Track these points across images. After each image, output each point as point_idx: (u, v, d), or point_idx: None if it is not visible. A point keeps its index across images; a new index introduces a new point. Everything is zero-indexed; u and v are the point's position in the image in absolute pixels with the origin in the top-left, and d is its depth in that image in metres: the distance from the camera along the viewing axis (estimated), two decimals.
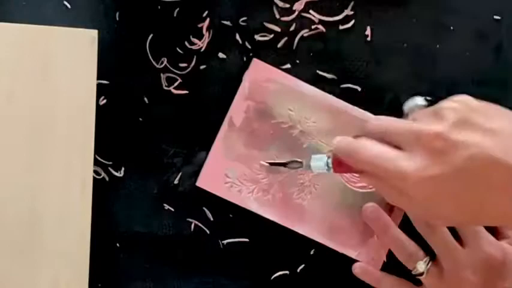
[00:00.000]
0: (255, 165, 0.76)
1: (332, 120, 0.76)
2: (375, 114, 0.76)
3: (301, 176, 0.76)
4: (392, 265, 0.76)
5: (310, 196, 0.76)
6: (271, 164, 0.76)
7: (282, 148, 0.76)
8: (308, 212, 0.76)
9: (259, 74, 0.76)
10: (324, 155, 0.70)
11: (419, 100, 0.71)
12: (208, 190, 0.75)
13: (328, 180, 0.76)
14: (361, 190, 0.76)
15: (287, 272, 0.77)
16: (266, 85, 0.76)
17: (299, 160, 0.74)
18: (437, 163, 0.59)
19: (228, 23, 0.77)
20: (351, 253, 0.76)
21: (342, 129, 0.76)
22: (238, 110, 0.76)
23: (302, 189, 0.76)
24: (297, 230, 0.76)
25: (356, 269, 0.76)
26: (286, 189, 0.76)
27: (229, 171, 0.75)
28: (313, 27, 0.78)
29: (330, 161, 0.69)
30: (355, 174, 0.75)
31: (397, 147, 0.62)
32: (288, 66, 0.77)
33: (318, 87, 0.77)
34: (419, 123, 0.62)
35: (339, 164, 0.67)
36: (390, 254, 0.76)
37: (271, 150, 0.76)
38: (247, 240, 0.76)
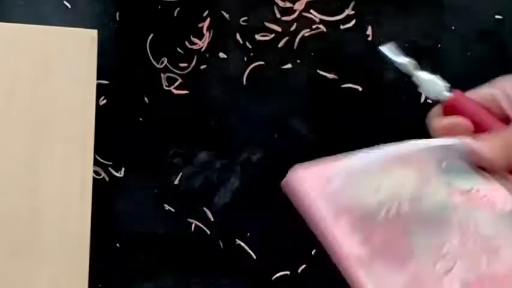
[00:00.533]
0: (429, 274, 0.50)
1: (405, 168, 0.54)
2: (376, 114, 0.76)
3: (470, 242, 0.52)
4: None
5: (501, 250, 0.51)
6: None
7: (419, 232, 0.52)
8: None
9: (313, 181, 0.52)
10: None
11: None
12: None
13: (489, 223, 0.54)
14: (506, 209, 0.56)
15: (288, 272, 0.77)
16: (331, 187, 0.52)
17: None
18: None
19: (228, 22, 0.77)
20: None
21: (420, 168, 0.55)
22: (347, 241, 0.50)
23: (489, 252, 0.52)
24: None
25: None
26: (482, 270, 0.51)
27: None
28: (314, 26, 0.78)
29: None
30: (485, 199, 0.59)
31: None
32: (289, 66, 0.77)
33: (318, 87, 0.77)
34: None
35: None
36: None
37: (415, 246, 0.51)
38: (247, 240, 0.77)
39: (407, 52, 0.64)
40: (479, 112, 0.58)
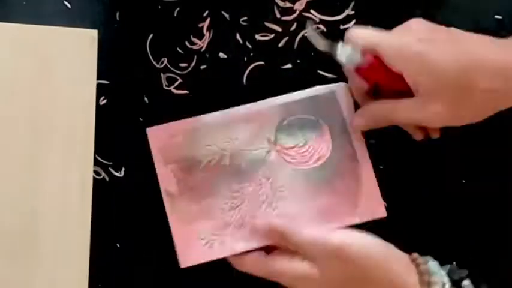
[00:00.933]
0: (217, 211, 0.74)
1: (248, 126, 0.75)
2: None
3: (261, 191, 0.75)
4: None
5: (282, 201, 0.75)
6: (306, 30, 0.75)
7: (228, 180, 0.74)
8: (290, 214, 0.74)
9: (159, 137, 0.74)
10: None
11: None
12: (196, 263, 0.73)
13: (285, 176, 0.75)
14: (318, 164, 0.75)
15: None
16: (173, 141, 0.74)
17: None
18: None
19: (228, 22, 0.77)
20: (353, 220, 0.74)
21: (261, 126, 0.75)
22: (166, 179, 0.74)
23: (270, 200, 0.75)
24: None
25: None
26: (257, 211, 0.74)
27: (200, 234, 0.74)
28: (314, 26, 0.78)
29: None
30: (304, 156, 0.75)
31: None
32: (289, 66, 0.77)
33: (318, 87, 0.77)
34: None
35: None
36: None
37: (220, 190, 0.74)
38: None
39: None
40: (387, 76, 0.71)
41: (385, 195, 0.75)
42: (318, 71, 0.77)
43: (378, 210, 0.75)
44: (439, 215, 0.76)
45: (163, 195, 0.74)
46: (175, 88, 0.77)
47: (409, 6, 0.78)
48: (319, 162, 0.75)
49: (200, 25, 0.77)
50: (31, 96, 0.72)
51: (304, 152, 0.75)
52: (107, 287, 0.75)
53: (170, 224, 0.74)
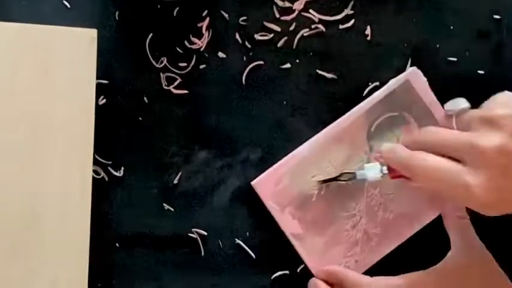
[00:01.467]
0: (342, 235, 0.77)
1: (342, 145, 0.76)
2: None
3: (373, 202, 0.77)
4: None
5: (393, 203, 0.77)
6: (324, 181, 0.76)
7: (341, 203, 0.76)
8: (406, 211, 0.77)
9: (267, 187, 0.76)
10: (376, 163, 0.73)
11: (463, 102, 0.72)
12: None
13: (389, 181, 0.75)
14: None
15: (287, 272, 0.77)
16: (280, 187, 0.76)
17: (351, 171, 0.75)
18: (502, 176, 0.63)
19: (227, 22, 0.77)
20: (434, 214, 0.77)
21: (353, 141, 0.76)
22: (288, 223, 0.76)
23: (385, 206, 0.77)
24: (415, 230, 0.77)
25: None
26: (376, 220, 0.77)
27: (335, 262, 0.76)
28: (313, 26, 0.78)
29: (384, 168, 0.72)
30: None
31: (453, 158, 0.66)
32: (288, 65, 0.77)
33: (317, 87, 0.77)
34: (477, 135, 0.65)
35: (394, 169, 0.71)
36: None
37: (337, 214, 0.76)
38: (247, 240, 0.77)
39: None
40: None
41: None
42: (318, 71, 0.78)
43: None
44: None
45: (291, 239, 0.76)
46: (175, 88, 0.77)
47: (408, 7, 0.78)
48: None
49: (199, 25, 0.77)
50: (31, 96, 0.72)
51: None
52: (106, 287, 0.75)
53: (308, 264, 0.76)
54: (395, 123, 0.76)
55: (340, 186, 0.76)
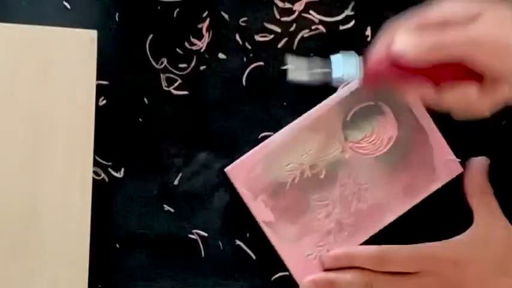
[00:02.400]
0: (314, 224, 0.76)
1: (316, 133, 0.76)
2: None
3: (348, 191, 0.76)
4: None
5: (368, 192, 0.77)
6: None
7: (315, 193, 0.76)
8: (380, 201, 0.77)
9: (240, 174, 0.76)
10: (353, 53, 0.71)
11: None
12: (314, 279, 0.75)
13: (364, 169, 0.76)
14: (390, 146, 0.77)
15: (287, 273, 0.77)
16: (254, 174, 0.76)
17: (325, 70, 0.71)
18: None
19: (228, 23, 0.77)
20: (435, 185, 0.77)
21: (328, 129, 0.76)
22: (260, 211, 0.76)
23: (358, 196, 0.77)
24: (390, 221, 0.77)
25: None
26: (350, 210, 0.76)
27: (306, 250, 0.76)
28: (313, 27, 0.78)
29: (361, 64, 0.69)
30: (375, 142, 0.76)
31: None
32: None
33: (317, 87, 0.77)
34: None
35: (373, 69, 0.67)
36: None
37: (310, 203, 0.76)
38: (247, 240, 0.76)
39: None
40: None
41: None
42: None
43: (454, 167, 0.77)
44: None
45: (263, 226, 0.75)
46: (175, 89, 0.77)
47: (409, 7, 0.78)
48: (390, 144, 0.77)
49: (199, 26, 0.77)
50: (31, 97, 0.72)
51: (373, 140, 0.77)
52: (106, 287, 0.75)
53: (279, 252, 0.76)
54: (371, 112, 0.76)
55: (314, 175, 0.76)
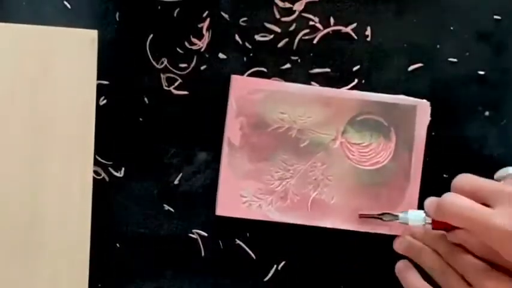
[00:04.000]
0: (266, 176, 0.76)
1: (325, 109, 0.77)
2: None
3: (312, 173, 0.76)
4: None
5: (327, 188, 0.76)
6: (364, 216, 0.76)
7: (286, 152, 0.76)
8: (329, 203, 0.76)
9: (242, 88, 0.76)
10: (421, 211, 0.73)
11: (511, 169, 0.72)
12: (230, 215, 0.76)
13: (339, 168, 0.77)
14: (373, 167, 0.77)
15: (287, 273, 0.77)
16: (251, 97, 0.76)
17: (394, 213, 0.75)
18: None
19: (228, 23, 0.77)
20: (384, 230, 0.76)
21: (336, 114, 0.77)
22: (233, 129, 0.76)
23: (317, 184, 0.76)
24: (324, 225, 0.76)
25: (397, 244, 0.76)
26: (301, 190, 0.76)
27: (244, 191, 0.76)
28: (313, 27, 0.78)
29: (428, 218, 0.72)
30: (364, 155, 0.77)
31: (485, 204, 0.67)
32: (288, 66, 0.77)
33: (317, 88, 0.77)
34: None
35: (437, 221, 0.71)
36: None
37: (276, 157, 0.76)
38: (247, 240, 0.77)
39: None
40: None
41: None
42: (318, 71, 0.78)
43: (407, 228, 0.75)
44: None
45: (224, 144, 0.76)
46: (175, 88, 0.77)
47: (408, 7, 0.78)
48: (375, 167, 0.77)
49: (200, 25, 0.77)
50: (31, 96, 0.72)
51: (365, 152, 0.77)
52: (106, 287, 0.75)
53: (220, 172, 0.76)
54: (380, 131, 0.77)
55: (296, 139, 0.76)
